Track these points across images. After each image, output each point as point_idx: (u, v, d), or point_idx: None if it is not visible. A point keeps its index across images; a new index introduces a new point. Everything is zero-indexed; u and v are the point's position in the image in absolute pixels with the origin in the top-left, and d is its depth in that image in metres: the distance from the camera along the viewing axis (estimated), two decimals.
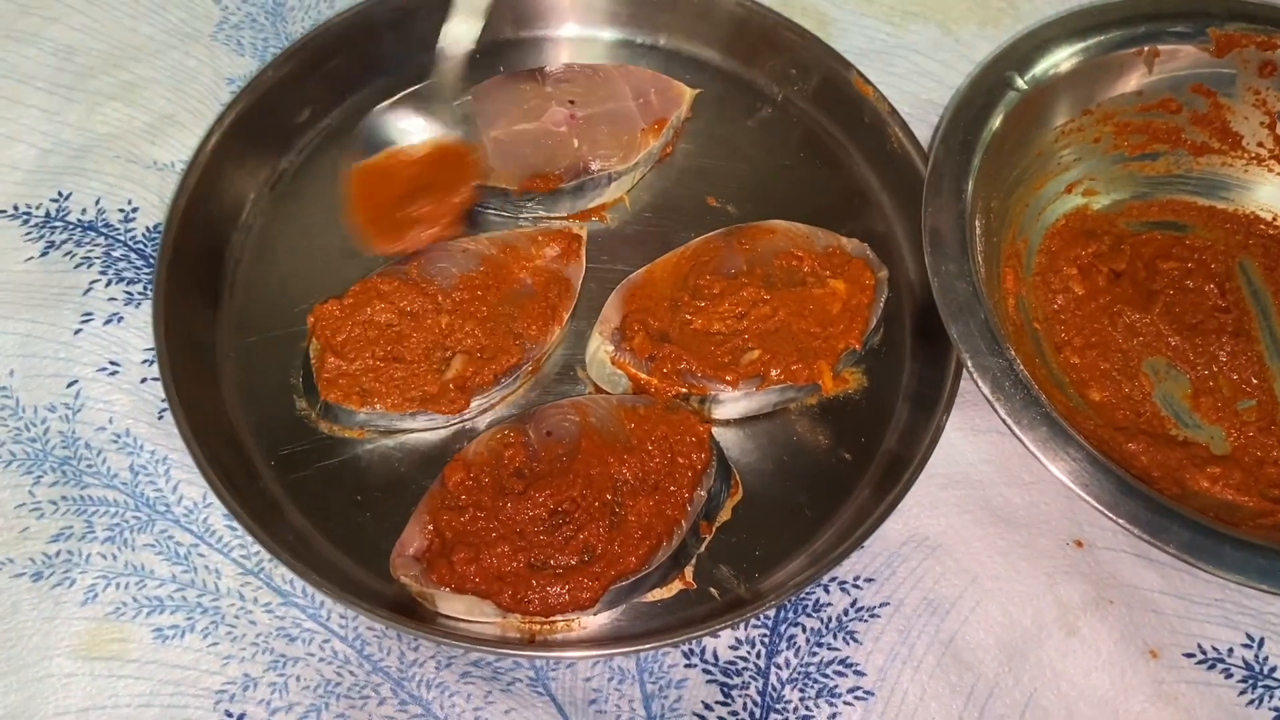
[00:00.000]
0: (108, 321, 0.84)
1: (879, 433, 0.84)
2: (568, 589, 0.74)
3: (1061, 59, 0.90)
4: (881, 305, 0.87)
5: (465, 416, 0.82)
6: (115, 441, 0.80)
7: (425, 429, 0.82)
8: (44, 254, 0.87)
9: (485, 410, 0.83)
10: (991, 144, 0.87)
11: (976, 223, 0.84)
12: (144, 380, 0.83)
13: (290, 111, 0.93)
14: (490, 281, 0.85)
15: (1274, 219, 0.95)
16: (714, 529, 0.79)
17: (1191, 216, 0.95)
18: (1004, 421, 0.77)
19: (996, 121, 0.87)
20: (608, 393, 0.85)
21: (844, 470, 0.83)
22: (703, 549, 0.79)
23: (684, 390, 0.83)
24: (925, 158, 0.91)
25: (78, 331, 0.84)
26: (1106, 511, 0.74)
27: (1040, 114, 0.91)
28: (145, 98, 0.95)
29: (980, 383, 0.78)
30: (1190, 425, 0.85)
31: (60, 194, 0.90)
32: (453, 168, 0.90)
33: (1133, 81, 0.92)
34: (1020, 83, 0.88)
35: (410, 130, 0.91)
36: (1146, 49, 0.91)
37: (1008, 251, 0.90)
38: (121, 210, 0.90)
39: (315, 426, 0.82)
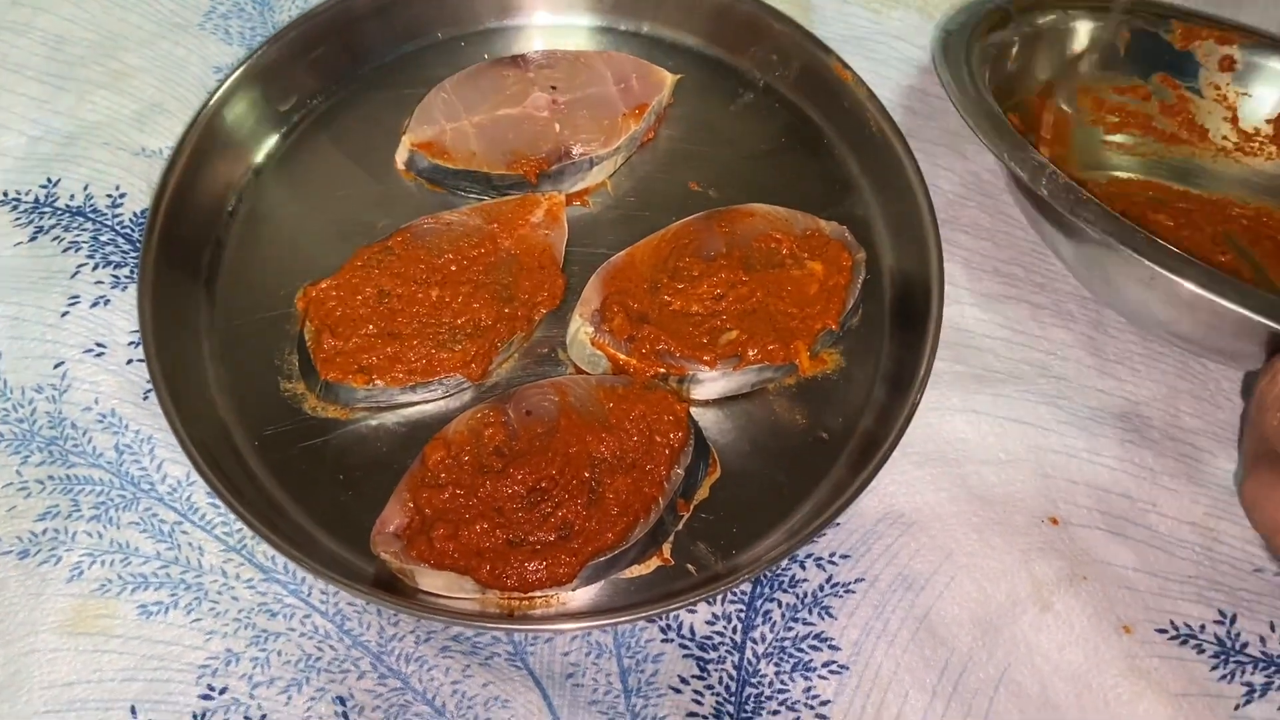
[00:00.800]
0: (94, 304, 0.86)
1: (856, 412, 0.85)
2: (545, 565, 0.75)
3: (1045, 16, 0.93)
4: (859, 287, 0.88)
5: (457, 389, 0.84)
6: (101, 421, 0.82)
7: (423, 401, 0.84)
8: (33, 239, 0.89)
9: (465, 387, 0.85)
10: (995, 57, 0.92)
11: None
12: (129, 361, 0.84)
13: (276, 99, 0.95)
14: (477, 251, 0.86)
15: (1245, 204, 0.96)
16: (691, 507, 0.80)
17: (1168, 197, 0.96)
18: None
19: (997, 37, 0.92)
20: (588, 373, 0.86)
21: (821, 449, 0.84)
22: (680, 526, 0.80)
23: (662, 370, 0.84)
24: (904, 143, 0.92)
25: (65, 314, 0.85)
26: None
27: (1028, 65, 0.93)
28: (134, 86, 0.97)
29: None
30: None
31: (49, 180, 0.91)
32: None
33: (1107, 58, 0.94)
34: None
35: None
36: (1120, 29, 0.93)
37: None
38: (109, 196, 0.91)
39: (299, 407, 0.83)
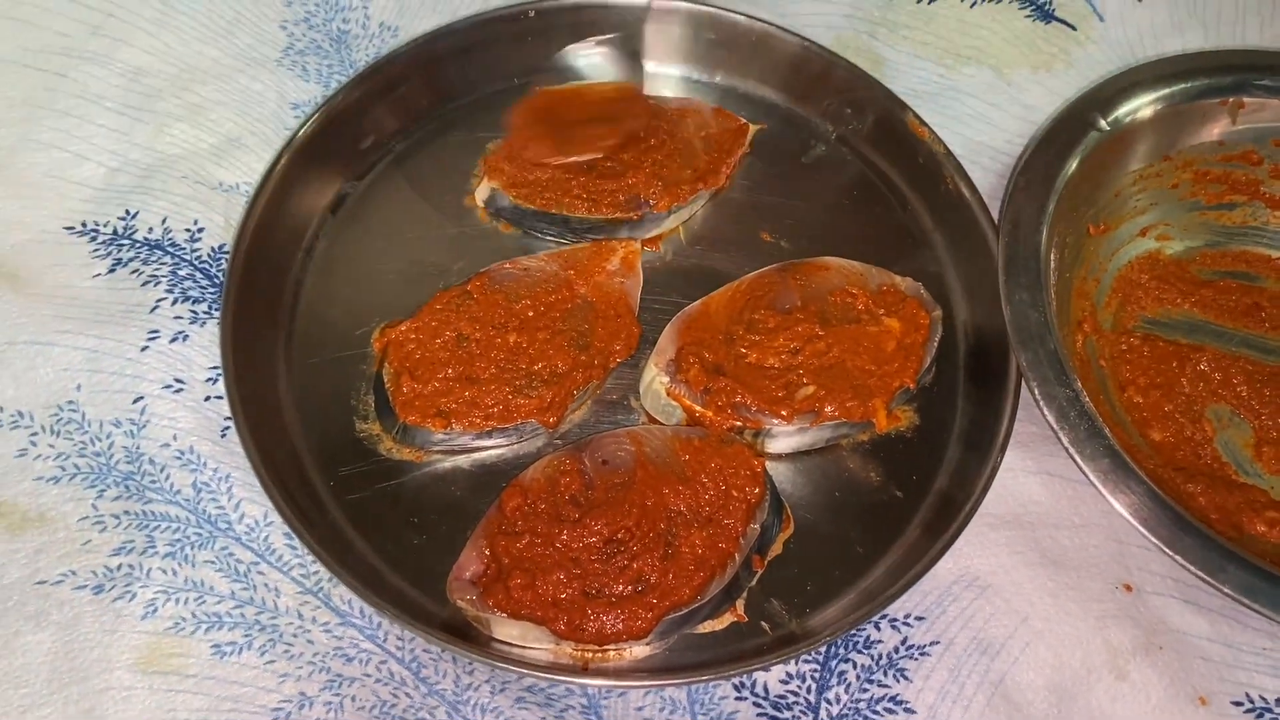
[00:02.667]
0: (174, 339, 0.86)
1: (931, 471, 0.85)
2: (622, 618, 0.75)
3: (1145, 104, 0.92)
4: (935, 345, 0.88)
5: (531, 435, 0.84)
6: (179, 458, 0.82)
7: (496, 446, 0.84)
8: (111, 270, 0.89)
9: (539, 433, 0.85)
10: (1070, 181, 0.89)
11: (1051, 257, 0.86)
12: (208, 398, 0.84)
13: (356, 137, 0.95)
14: (554, 297, 0.87)
15: None
16: (765, 562, 0.80)
17: (1263, 268, 0.96)
18: (1067, 451, 0.78)
19: (1076, 161, 0.89)
20: (662, 423, 0.85)
21: (895, 508, 0.84)
22: (754, 582, 0.79)
23: (738, 424, 0.83)
24: (979, 200, 0.92)
25: (144, 348, 0.85)
26: (1165, 548, 0.74)
27: (1120, 156, 0.93)
28: (211, 120, 0.97)
29: (1046, 411, 0.79)
30: (1250, 474, 0.86)
31: (128, 213, 0.92)
32: (624, 104, 0.96)
33: (1215, 131, 0.94)
34: (1103, 124, 0.89)
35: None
36: (1231, 100, 0.92)
37: (1079, 289, 0.91)
38: (188, 230, 0.91)
39: (375, 448, 0.83)
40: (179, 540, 0.79)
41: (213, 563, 0.78)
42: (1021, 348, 0.81)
